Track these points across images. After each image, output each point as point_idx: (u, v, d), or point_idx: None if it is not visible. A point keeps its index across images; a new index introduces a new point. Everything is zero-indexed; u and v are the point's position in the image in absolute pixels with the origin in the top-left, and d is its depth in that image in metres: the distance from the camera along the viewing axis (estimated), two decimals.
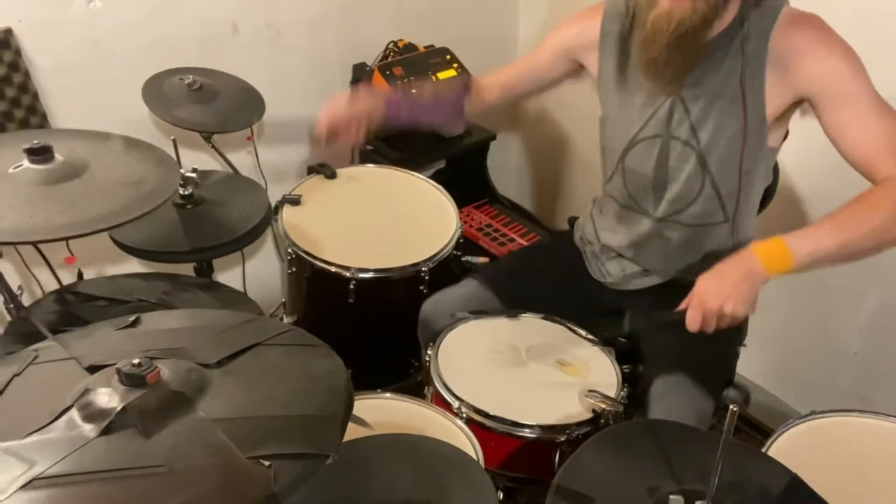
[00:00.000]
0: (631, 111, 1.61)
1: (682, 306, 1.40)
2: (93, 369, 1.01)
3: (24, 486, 0.81)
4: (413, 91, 1.79)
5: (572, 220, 1.98)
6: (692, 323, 1.36)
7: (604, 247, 1.79)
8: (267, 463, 0.84)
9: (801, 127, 1.55)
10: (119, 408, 0.89)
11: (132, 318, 1.16)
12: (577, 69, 1.73)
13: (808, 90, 1.42)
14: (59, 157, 1.39)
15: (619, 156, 1.65)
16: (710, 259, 1.46)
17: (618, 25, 1.60)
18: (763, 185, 1.64)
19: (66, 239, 1.26)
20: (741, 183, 1.56)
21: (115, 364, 0.95)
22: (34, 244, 1.31)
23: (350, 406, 0.98)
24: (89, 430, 0.88)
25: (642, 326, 1.69)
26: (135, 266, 2.11)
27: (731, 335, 1.67)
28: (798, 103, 1.47)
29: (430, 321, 1.81)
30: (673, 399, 1.51)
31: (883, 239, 1.31)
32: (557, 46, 1.73)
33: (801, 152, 1.76)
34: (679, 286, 1.66)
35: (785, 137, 1.57)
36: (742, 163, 1.53)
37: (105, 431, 0.88)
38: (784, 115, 1.50)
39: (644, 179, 1.63)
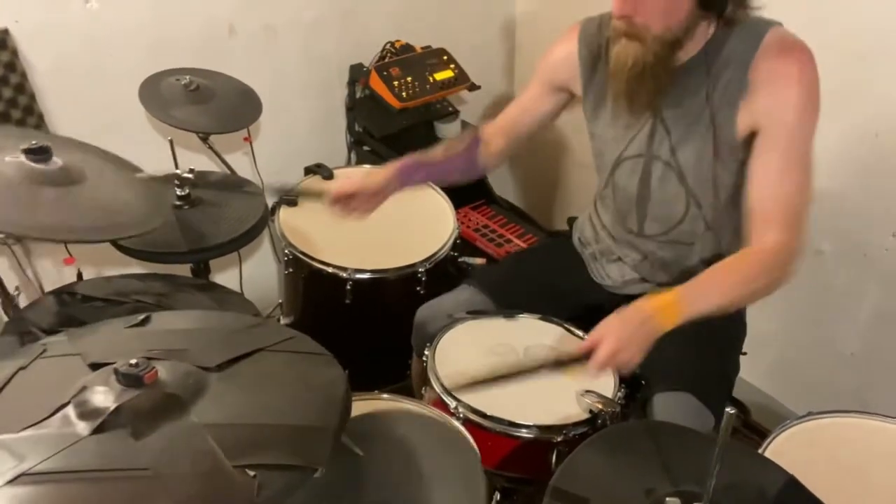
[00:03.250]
0: (616, 130, 1.61)
1: (583, 347, 1.39)
2: (95, 367, 1.01)
3: (12, 481, 0.81)
4: (424, 154, 1.74)
5: (571, 221, 1.97)
6: (595, 368, 1.37)
7: (605, 249, 1.79)
8: (252, 473, 0.83)
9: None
10: (112, 407, 0.89)
11: (142, 316, 1.16)
12: (569, 97, 1.71)
13: (762, 122, 1.41)
14: (57, 160, 1.39)
15: (609, 172, 1.66)
16: (703, 266, 1.50)
17: (595, 47, 1.60)
18: None
19: (54, 241, 1.26)
20: (721, 198, 1.56)
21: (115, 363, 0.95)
22: (32, 239, 1.31)
23: (345, 418, 0.97)
24: (82, 427, 0.88)
25: None
26: (131, 266, 2.11)
27: (733, 350, 1.68)
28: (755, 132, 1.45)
29: (425, 326, 1.80)
30: (677, 419, 1.51)
31: (755, 299, 1.46)
32: (545, 78, 1.71)
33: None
34: None
35: None
36: (716, 179, 1.52)
37: (97, 430, 0.88)
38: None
39: (630, 196, 1.64)
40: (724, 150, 1.48)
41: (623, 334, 1.37)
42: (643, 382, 1.69)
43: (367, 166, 2.36)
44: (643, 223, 1.65)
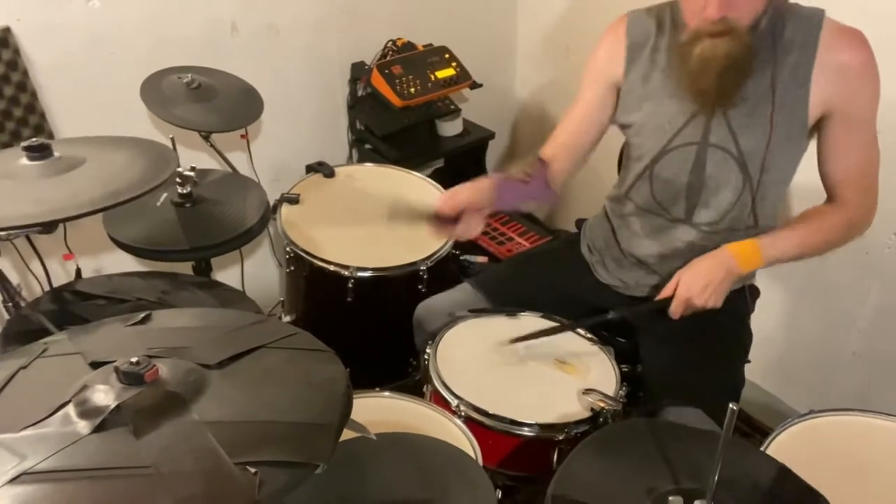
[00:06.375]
0: (661, 119, 1.58)
1: (663, 295, 1.57)
2: (96, 365, 1.00)
3: (13, 480, 0.80)
4: (507, 174, 1.67)
5: (580, 223, 1.95)
6: (675, 313, 1.56)
7: (624, 253, 1.75)
8: (253, 470, 0.83)
9: None
10: (113, 406, 0.89)
11: (142, 314, 1.15)
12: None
13: (839, 108, 1.45)
14: (56, 153, 1.39)
15: (647, 164, 1.62)
16: None
17: (646, 38, 1.58)
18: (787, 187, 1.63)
19: (59, 221, 1.25)
20: (784, 188, 1.58)
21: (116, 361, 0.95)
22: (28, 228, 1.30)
23: (347, 415, 0.96)
24: (83, 426, 0.88)
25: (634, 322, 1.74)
26: (133, 265, 2.11)
27: (740, 360, 1.67)
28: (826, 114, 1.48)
29: (423, 324, 1.81)
30: None
31: (828, 251, 1.56)
32: (597, 78, 1.67)
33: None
34: None
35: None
36: (772, 162, 1.52)
37: (98, 429, 0.87)
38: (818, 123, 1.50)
39: (677, 188, 1.60)
40: (791, 132, 1.48)
41: (707, 286, 1.51)
42: (643, 383, 1.69)
43: (370, 164, 2.36)
44: (693, 212, 1.61)
